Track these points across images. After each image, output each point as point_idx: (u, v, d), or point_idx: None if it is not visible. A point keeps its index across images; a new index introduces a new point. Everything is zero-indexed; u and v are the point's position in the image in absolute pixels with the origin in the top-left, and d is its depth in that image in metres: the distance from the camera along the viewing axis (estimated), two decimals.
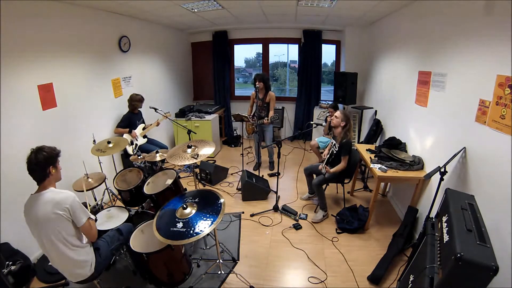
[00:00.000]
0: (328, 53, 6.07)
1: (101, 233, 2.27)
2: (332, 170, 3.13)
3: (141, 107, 4.00)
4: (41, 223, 1.65)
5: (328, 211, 3.35)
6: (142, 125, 4.03)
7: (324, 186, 3.35)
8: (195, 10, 3.95)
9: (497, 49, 1.84)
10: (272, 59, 6.49)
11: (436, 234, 1.77)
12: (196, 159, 2.40)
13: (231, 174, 4.53)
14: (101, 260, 1.93)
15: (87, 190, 2.47)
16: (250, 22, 5.32)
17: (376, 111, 4.36)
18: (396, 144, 3.24)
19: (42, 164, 1.65)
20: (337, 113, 3.19)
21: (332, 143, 3.35)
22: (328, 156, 3.30)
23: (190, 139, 3.46)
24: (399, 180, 2.87)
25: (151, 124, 4.09)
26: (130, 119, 3.87)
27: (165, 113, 3.91)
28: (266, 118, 4.10)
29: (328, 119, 3.32)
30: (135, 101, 3.88)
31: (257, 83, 4.08)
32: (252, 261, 2.65)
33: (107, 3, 3.24)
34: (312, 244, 2.88)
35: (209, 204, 2.11)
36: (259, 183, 3.81)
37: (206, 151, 2.54)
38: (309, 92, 5.91)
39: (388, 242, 2.75)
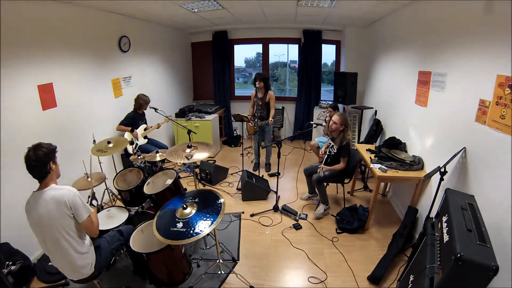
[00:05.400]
0: (328, 53, 6.07)
1: (101, 233, 2.27)
2: (330, 167, 3.14)
3: (146, 109, 4.04)
4: (44, 221, 1.64)
5: (329, 205, 3.35)
6: (143, 126, 4.04)
7: (324, 185, 3.35)
8: (195, 10, 3.95)
9: (497, 49, 1.84)
10: (272, 59, 6.49)
11: (436, 234, 1.77)
12: (188, 160, 2.40)
13: (231, 174, 4.53)
14: (101, 259, 1.93)
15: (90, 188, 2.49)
16: (250, 22, 5.33)
17: (376, 111, 4.36)
18: (396, 144, 3.24)
19: (43, 160, 1.64)
20: (335, 118, 3.18)
21: (329, 143, 3.35)
22: (326, 157, 3.30)
23: (190, 139, 3.47)
24: (399, 180, 2.87)
25: (151, 126, 4.14)
26: (134, 118, 3.90)
27: (166, 117, 3.99)
28: (271, 119, 4.11)
29: (327, 119, 3.32)
30: (142, 102, 3.93)
31: (257, 82, 4.08)
32: (252, 261, 2.65)
33: (107, 3, 3.24)
34: (312, 244, 2.88)
35: (209, 204, 2.11)
36: (259, 183, 3.81)
37: (201, 155, 2.53)
38: (309, 92, 5.91)
39: (388, 242, 2.74)
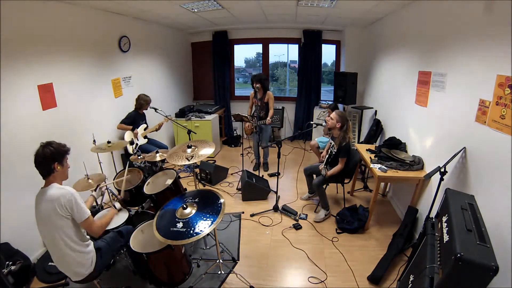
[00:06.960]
0: (328, 53, 6.07)
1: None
2: (329, 172, 3.14)
3: (146, 109, 4.04)
4: (45, 220, 1.67)
5: (330, 210, 3.35)
6: (143, 126, 4.05)
7: (324, 186, 3.35)
8: (195, 10, 3.95)
9: (497, 49, 1.84)
10: (272, 59, 6.49)
11: (436, 234, 1.77)
12: (189, 160, 2.40)
13: (231, 174, 4.53)
14: (101, 261, 1.93)
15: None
16: (250, 22, 5.32)
17: (376, 111, 4.36)
18: (396, 144, 3.24)
19: (48, 159, 1.67)
20: (333, 114, 3.18)
21: (330, 143, 3.35)
22: (327, 156, 3.30)
23: (190, 139, 3.47)
24: (399, 180, 2.87)
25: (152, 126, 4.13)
26: (135, 118, 3.91)
27: (166, 116, 3.98)
28: (268, 118, 4.11)
29: (327, 119, 3.32)
30: (143, 102, 3.93)
31: (254, 84, 4.09)
32: (252, 261, 2.65)
33: (107, 3, 3.24)
34: (312, 244, 2.88)
35: (209, 204, 2.11)
36: (259, 183, 3.81)
37: (204, 152, 2.54)
38: (309, 92, 5.91)
39: (388, 242, 2.74)
